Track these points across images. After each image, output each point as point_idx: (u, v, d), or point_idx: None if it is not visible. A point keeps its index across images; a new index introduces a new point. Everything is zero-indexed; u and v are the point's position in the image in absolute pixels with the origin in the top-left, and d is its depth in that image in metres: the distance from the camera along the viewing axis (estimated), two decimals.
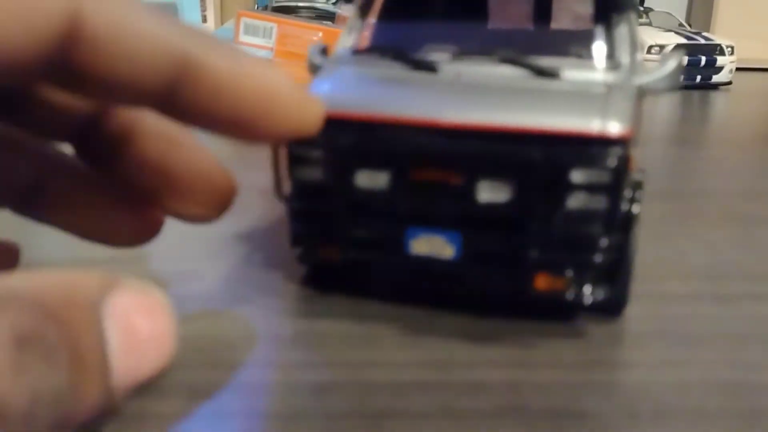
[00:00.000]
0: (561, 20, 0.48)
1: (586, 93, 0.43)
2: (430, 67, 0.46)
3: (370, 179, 0.43)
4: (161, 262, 0.56)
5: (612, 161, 0.40)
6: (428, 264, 0.44)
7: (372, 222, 0.45)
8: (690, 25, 2.07)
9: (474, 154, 0.41)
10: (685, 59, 0.50)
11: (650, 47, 1.73)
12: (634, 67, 0.46)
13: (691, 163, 0.99)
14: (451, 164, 0.42)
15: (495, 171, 0.41)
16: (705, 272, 0.57)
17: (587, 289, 0.44)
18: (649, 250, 0.59)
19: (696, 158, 1.03)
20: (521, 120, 0.41)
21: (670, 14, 1.97)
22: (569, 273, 0.43)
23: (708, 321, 0.48)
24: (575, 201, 0.41)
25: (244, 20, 1.19)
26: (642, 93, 0.46)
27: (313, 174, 0.45)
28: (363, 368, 0.41)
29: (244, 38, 1.19)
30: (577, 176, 0.40)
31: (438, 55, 0.47)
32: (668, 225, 0.70)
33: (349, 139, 0.43)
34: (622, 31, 0.47)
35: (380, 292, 0.50)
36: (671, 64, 0.47)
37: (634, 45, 0.47)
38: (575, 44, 0.47)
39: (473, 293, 0.47)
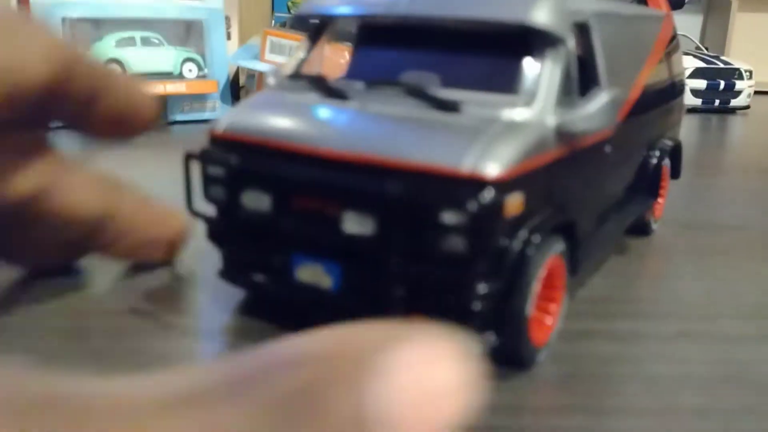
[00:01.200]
0: (484, 54, 0.46)
1: (478, 129, 0.41)
2: (341, 95, 0.46)
3: (256, 201, 0.44)
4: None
5: (476, 204, 0.37)
6: (312, 292, 0.44)
7: (260, 243, 0.45)
8: (707, 48, 1.95)
9: (341, 184, 0.40)
10: (614, 98, 0.46)
11: None
12: (552, 106, 0.43)
13: (715, 192, 0.92)
14: (324, 193, 0.41)
15: (359, 203, 0.40)
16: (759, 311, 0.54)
17: (470, 337, 0.41)
18: (696, 286, 0.58)
19: (718, 186, 0.96)
20: (388, 152, 0.39)
21: (687, 37, 1.81)
22: (448, 317, 0.41)
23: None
24: (441, 242, 0.39)
25: (270, 39, 1.23)
26: (562, 132, 0.43)
27: (218, 194, 0.46)
28: None
29: (270, 56, 1.24)
30: (442, 216, 0.38)
31: (353, 84, 0.47)
32: (710, 258, 0.66)
33: (238, 159, 0.44)
34: (545, 68, 0.44)
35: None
36: (598, 103, 0.44)
37: (560, 82, 0.44)
38: (492, 79, 0.45)
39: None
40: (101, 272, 0.59)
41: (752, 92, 1.68)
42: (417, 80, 0.46)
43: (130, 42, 1.24)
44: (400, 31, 0.50)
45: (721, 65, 1.69)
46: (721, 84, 1.65)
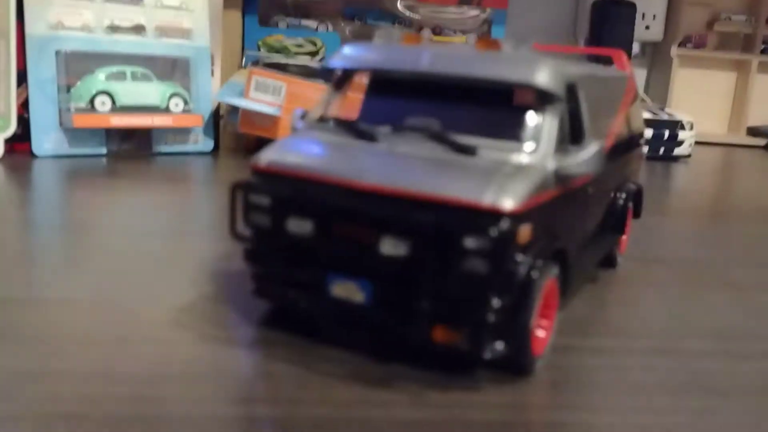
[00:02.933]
0: (494, 107, 0.54)
1: (493, 170, 0.49)
2: (370, 137, 0.54)
3: (299, 226, 0.50)
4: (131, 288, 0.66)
5: (496, 231, 0.45)
6: (345, 307, 0.51)
7: (301, 264, 0.52)
8: (651, 100, 2.16)
9: (380, 213, 0.48)
10: (600, 147, 0.55)
11: None
12: (551, 152, 0.51)
13: (666, 231, 1.03)
14: (363, 220, 0.48)
15: (395, 229, 0.47)
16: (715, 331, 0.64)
17: (484, 345, 0.48)
18: (659, 311, 0.68)
19: (669, 226, 1.07)
20: (420, 187, 0.47)
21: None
22: (464, 329, 0.48)
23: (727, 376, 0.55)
24: (464, 263, 0.46)
25: (255, 78, 1.31)
26: (559, 174, 0.52)
27: (261, 220, 0.53)
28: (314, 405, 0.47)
29: (254, 95, 1.31)
30: (465, 242, 0.46)
31: (381, 128, 0.55)
32: (668, 287, 0.76)
33: (284, 190, 0.51)
34: (545, 121, 0.52)
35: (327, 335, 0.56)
36: (589, 152, 0.52)
37: (557, 132, 0.52)
38: (500, 128, 0.53)
39: (383, 337, 0.53)
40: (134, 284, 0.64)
41: (693, 142, 1.83)
42: (435, 127, 0.54)
43: (121, 76, 1.29)
44: (415, 83, 0.57)
45: (666, 116, 1.83)
46: (665, 133, 1.79)
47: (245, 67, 1.55)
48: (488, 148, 0.51)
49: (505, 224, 0.46)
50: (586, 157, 0.52)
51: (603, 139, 0.65)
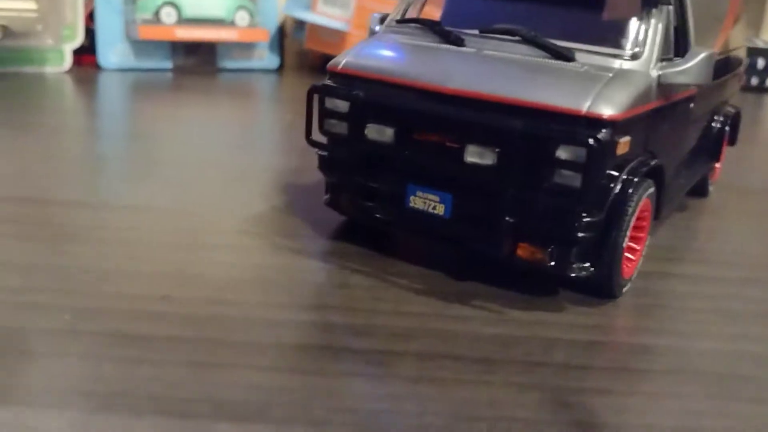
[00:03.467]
0: (593, 11, 0.49)
1: (592, 76, 0.45)
2: (457, 41, 0.50)
3: (378, 133, 0.48)
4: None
5: (594, 141, 0.41)
6: (424, 219, 0.48)
7: (379, 173, 0.49)
8: None
9: (467, 119, 0.44)
10: (709, 55, 0.49)
11: None
12: (656, 59, 0.47)
13: (756, 162, 0.97)
14: (448, 127, 0.45)
15: (482, 137, 0.44)
16: None
17: (570, 263, 0.46)
18: (752, 240, 0.63)
19: (759, 156, 1.01)
20: (512, 92, 0.44)
21: None
22: (550, 245, 0.45)
23: None
24: (555, 175, 0.43)
25: None
26: (663, 83, 0.47)
27: (338, 127, 0.50)
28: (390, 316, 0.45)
29: (322, 8, 1.25)
30: (558, 152, 0.42)
31: (468, 31, 0.51)
32: (763, 218, 0.71)
33: (364, 94, 0.48)
34: (650, 24, 0.47)
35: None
36: (696, 59, 0.47)
37: (662, 38, 0.47)
38: (602, 32, 0.48)
39: (463, 253, 0.50)
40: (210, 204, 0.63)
41: None
42: (528, 31, 0.49)
43: None
44: None
45: (761, 44, 1.70)
46: (759, 62, 1.67)
47: None
48: (587, 53, 0.47)
49: (604, 133, 0.42)
50: (693, 64, 0.47)
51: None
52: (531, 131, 0.43)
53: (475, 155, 0.44)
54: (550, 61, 0.47)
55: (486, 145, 0.44)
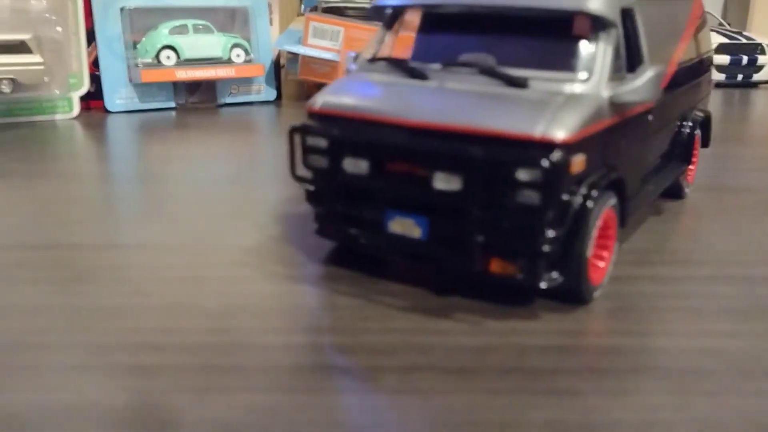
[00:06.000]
0: (544, 37, 0.53)
1: (544, 102, 0.48)
2: (421, 76, 0.54)
3: (355, 166, 0.52)
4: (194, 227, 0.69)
5: (548, 163, 0.45)
6: (403, 242, 0.52)
7: (359, 202, 0.53)
8: (729, 24, 2.00)
9: (433, 149, 0.48)
10: (657, 73, 0.53)
11: None
12: (606, 80, 0.51)
13: (738, 160, 1.00)
14: (416, 157, 0.49)
15: (447, 165, 0.48)
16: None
17: (540, 275, 0.49)
18: (725, 239, 0.67)
19: (742, 155, 1.03)
20: (472, 122, 0.48)
21: (710, 13, 1.86)
22: (520, 259, 0.49)
23: None
24: (517, 196, 0.47)
25: (312, 24, 1.31)
26: (614, 103, 0.51)
27: (319, 162, 0.54)
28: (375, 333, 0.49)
29: (312, 41, 1.31)
30: (517, 174, 0.46)
31: (431, 66, 0.55)
32: (736, 215, 0.74)
33: (339, 131, 0.52)
34: (599, 47, 0.51)
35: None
36: (645, 77, 0.51)
37: (612, 59, 0.51)
38: (554, 58, 0.52)
39: (440, 270, 0.54)
40: (203, 233, 0.68)
41: None
42: (485, 61, 0.54)
43: (183, 30, 1.32)
44: (465, 18, 0.57)
45: (744, 40, 1.73)
46: (743, 59, 1.70)
47: (304, 13, 1.55)
48: (540, 80, 0.51)
49: (556, 155, 0.46)
50: (641, 83, 0.51)
51: (665, 64, 0.63)
52: (491, 157, 0.46)
53: (442, 182, 0.48)
54: (506, 89, 0.51)
55: (451, 171, 0.48)
